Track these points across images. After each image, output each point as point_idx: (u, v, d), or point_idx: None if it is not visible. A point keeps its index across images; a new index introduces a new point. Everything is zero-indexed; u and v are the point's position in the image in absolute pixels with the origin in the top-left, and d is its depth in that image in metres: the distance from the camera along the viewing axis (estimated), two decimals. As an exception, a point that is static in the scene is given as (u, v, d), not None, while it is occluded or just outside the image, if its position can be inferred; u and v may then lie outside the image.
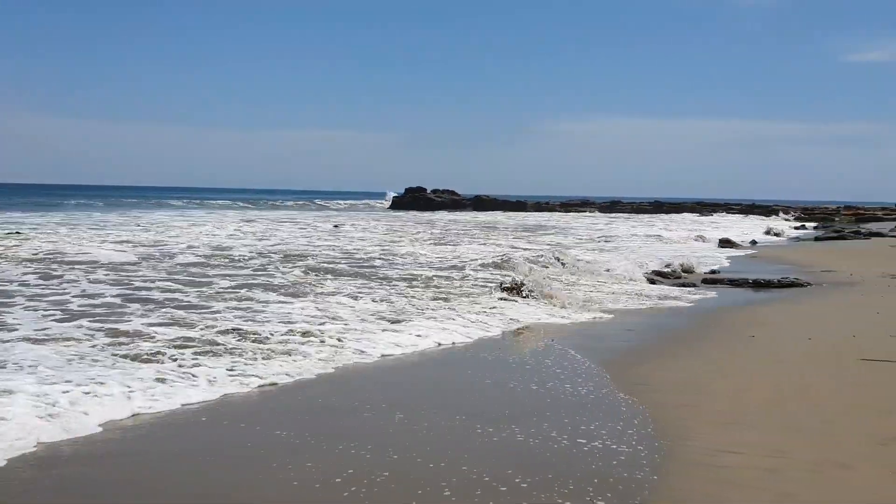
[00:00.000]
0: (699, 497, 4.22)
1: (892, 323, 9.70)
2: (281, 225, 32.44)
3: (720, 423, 5.49)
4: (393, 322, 9.29)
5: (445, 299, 11.22)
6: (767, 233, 34.87)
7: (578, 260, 17.28)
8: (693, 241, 28.56)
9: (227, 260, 16.24)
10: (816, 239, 31.27)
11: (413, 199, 64.01)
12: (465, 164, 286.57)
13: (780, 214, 56.54)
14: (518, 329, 9.60)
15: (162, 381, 6.27)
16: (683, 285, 14.16)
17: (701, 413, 5.76)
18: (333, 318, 9.32)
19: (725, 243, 26.36)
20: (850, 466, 4.60)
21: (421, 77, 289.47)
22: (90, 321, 8.72)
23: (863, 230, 34.95)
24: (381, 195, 76.04)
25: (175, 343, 7.67)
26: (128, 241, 20.48)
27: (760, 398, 6.19)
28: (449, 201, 63.65)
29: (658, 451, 4.95)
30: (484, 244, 23.47)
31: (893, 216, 52.65)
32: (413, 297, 11.41)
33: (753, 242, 28.44)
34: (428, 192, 65.93)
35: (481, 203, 63.67)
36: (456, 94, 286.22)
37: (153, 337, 7.95)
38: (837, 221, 49.81)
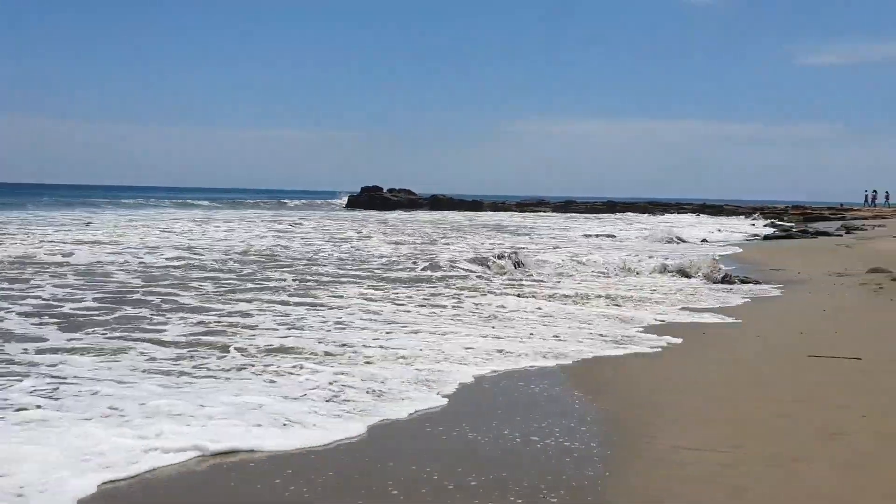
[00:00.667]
0: (655, 493, 4.23)
1: (838, 320, 9.93)
2: (249, 224, 31.99)
3: (676, 421, 5.54)
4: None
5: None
6: (720, 231, 35.50)
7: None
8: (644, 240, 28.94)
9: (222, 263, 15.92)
10: (766, 238, 31.89)
11: (369, 199, 63.73)
12: (422, 164, 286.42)
13: (745, 217, 57.42)
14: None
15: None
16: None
17: (656, 411, 5.80)
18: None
19: (678, 240, 26.79)
20: (802, 459, 4.68)
21: (378, 77, 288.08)
22: (126, 330, 8.32)
23: (810, 229, 35.73)
24: (336, 194, 75.49)
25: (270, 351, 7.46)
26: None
27: (715, 394, 6.28)
28: (405, 201, 63.53)
29: (613, 447, 4.96)
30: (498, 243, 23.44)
31: (839, 215, 53.97)
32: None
33: (704, 241, 28.91)
34: (384, 191, 65.75)
35: (438, 203, 63.66)
36: (413, 95, 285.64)
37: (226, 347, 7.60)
38: (786, 220, 50.90)
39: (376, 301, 10.94)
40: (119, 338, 7.89)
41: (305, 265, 15.83)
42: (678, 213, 62.59)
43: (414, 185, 69.44)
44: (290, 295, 11.31)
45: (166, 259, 16.24)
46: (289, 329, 8.61)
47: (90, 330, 8.28)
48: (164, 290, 11.51)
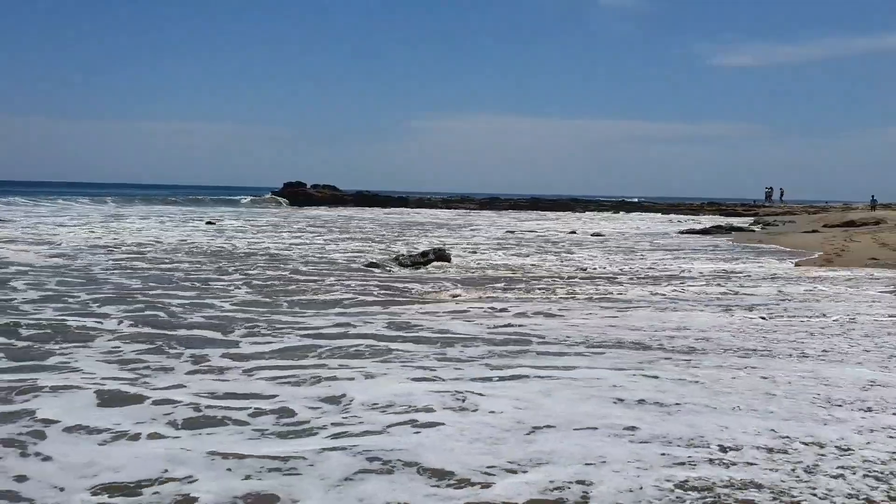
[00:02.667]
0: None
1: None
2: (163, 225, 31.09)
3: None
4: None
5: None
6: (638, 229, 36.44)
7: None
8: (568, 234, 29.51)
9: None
10: (681, 232, 32.90)
11: (292, 195, 62.81)
12: (346, 160, 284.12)
13: (661, 213, 58.93)
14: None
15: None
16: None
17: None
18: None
19: (597, 235, 27.44)
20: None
21: (302, 71, 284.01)
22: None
23: (724, 225, 37.00)
24: (258, 191, 73.88)
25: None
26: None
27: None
28: (329, 197, 62.85)
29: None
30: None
31: (751, 212, 56.29)
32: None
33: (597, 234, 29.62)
34: (308, 187, 64.86)
35: (363, 199, 63.24)
36: (338, 90, 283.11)
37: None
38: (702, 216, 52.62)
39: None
40: None
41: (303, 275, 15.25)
42: (597, 210, 63.85)
43: (338, 182, 68.82)
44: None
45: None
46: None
47: None
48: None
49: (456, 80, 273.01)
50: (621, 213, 60.11)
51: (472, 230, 31.40)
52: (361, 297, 10.64)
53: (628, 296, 11.16)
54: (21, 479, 4.09)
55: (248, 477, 4.13)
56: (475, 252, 19.20)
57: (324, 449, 4.54)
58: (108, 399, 5.49)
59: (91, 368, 6.37)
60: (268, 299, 10.36)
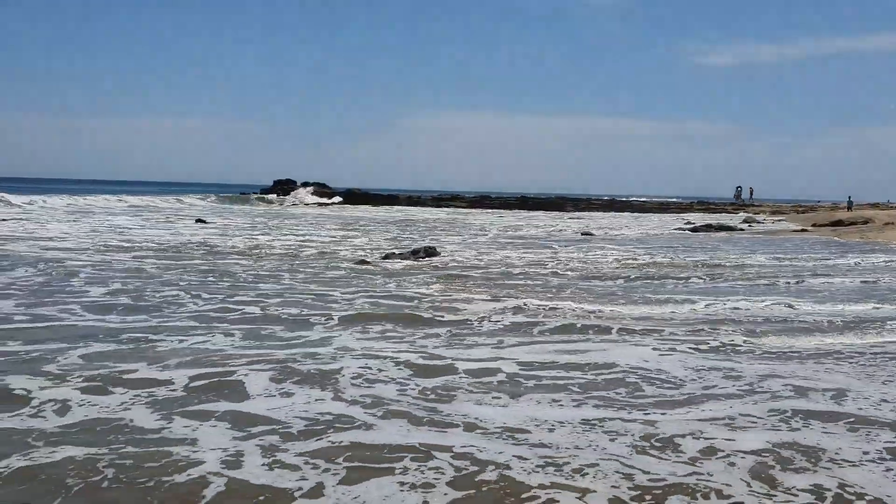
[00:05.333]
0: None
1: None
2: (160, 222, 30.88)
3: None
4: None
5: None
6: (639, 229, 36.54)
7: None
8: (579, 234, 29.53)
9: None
10: (678, 229, 33.08)
11: (283, 192, 62.65)
12: (336, 157, 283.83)
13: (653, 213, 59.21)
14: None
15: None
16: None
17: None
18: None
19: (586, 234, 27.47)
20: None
21: (292, 69, 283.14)
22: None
23: (714, 224, 37.18)
24: (247, 188, 73.57)
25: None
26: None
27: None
28: (320, 195, 62.70)
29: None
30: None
31: (741, 211, 56.78)
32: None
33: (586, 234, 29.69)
34: (298, 184, 64.71)
35: (353, 197, 63.07)
36: (329, 87, 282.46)
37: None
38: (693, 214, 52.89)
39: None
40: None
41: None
42: (588, 209, 63.92)
43: (328, 179, 68.57)
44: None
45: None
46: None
47: None
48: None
49: (444, 79, 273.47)
50: (612, 212, 60.23)
51: (477, 232, 31.35)
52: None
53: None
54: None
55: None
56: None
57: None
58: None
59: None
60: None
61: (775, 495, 3.90)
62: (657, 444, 4.60)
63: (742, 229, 33.88)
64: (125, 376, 5.90)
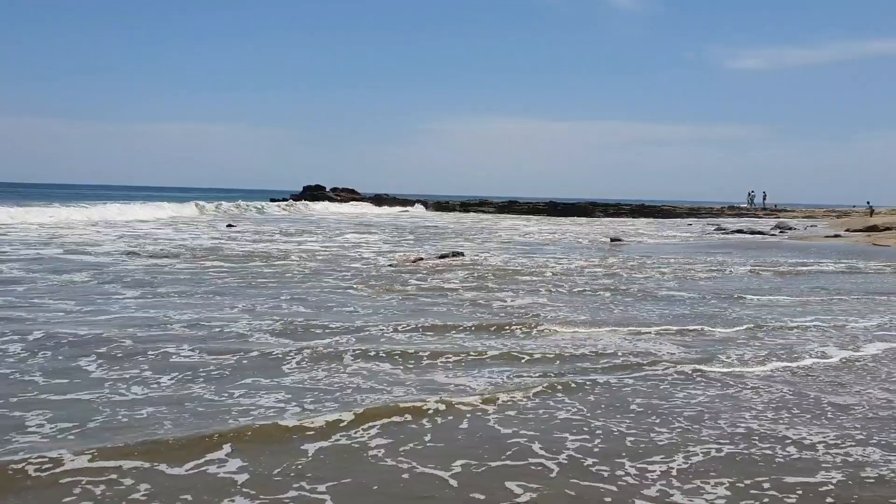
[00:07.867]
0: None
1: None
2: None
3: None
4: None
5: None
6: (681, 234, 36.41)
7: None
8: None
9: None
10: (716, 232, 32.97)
11: (312, 198, 63.12)
12: (365, 162, 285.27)
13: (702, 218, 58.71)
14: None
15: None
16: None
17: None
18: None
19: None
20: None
21: (319, 74, 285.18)
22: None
23: (745, 230, 36.97)
24: (276, 193, 73.88)
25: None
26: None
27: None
28: (349, 200, 63.09)
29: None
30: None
31: (773, 215, 56.31)
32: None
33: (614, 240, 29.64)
34: (327, 190, 65.17)
35: (381, 201, 63.31)
36: (356, 92, 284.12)
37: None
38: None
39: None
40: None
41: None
42: (617, 215, 63.40)
43: (356, 184, 68.98)
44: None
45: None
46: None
47: None
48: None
49: (470, 83, 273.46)
50: (642, 217, 59.80)
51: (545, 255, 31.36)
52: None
53: None
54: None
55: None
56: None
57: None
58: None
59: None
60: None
61: None
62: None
63: (793, 229, 33.64)
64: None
